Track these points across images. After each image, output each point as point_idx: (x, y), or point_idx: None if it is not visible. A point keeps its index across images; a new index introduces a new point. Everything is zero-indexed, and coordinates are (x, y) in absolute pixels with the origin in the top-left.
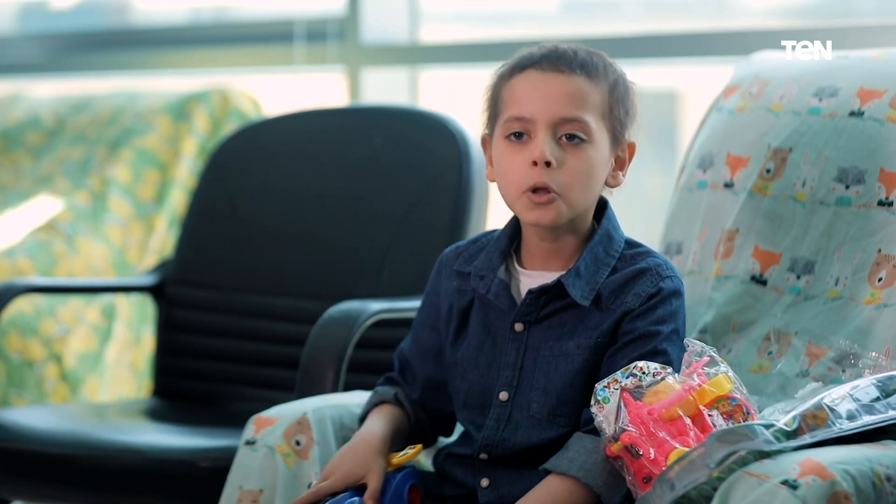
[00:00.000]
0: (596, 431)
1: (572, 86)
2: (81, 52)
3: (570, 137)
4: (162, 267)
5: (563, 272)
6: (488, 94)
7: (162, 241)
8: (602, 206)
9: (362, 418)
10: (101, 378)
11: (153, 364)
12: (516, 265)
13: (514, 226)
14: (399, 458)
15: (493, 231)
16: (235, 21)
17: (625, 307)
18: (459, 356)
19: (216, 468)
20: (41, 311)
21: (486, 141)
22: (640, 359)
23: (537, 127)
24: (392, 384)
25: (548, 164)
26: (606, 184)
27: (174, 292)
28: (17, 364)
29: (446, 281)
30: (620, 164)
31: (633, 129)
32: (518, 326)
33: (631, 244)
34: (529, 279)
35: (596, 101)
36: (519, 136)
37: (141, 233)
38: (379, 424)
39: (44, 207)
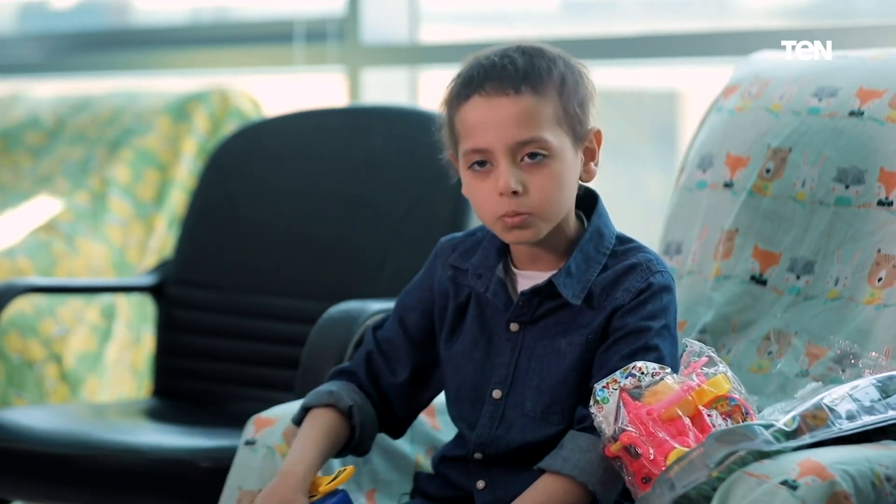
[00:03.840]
0: (590, 430)
1: (521, 107)
2: (81, 52)
3: (532, 156)
4: (162, 267)
5: (555, 272)
6: (445, 116)
7: (162, 241)
8: (593, 203)
9: (300, 417)
10: (101, 378)
11: (153, 364)
12: (511, 265)
13: None
14: (326, 485)
15: None
16: (235, 21)
17: (615, 303)
18: (455, 351)
19: (216, 468)
20: (41, 311)
21: (454, 157)
22: (631, 355)
23: (496, 155)
24: (348, 378)
25: (514, 192)
26: (581, 180)
27: (174, 292)
28: (17, 364)
29: (441, 269)
30: (591, 155)
31: (594, 115)
32: (513, 326)
33: (622, 240)
34: (524, 279)
35: (548, 113)
36: (482, 164)
37: (141, 233)
38: (306, 453)
39: (44, 207)
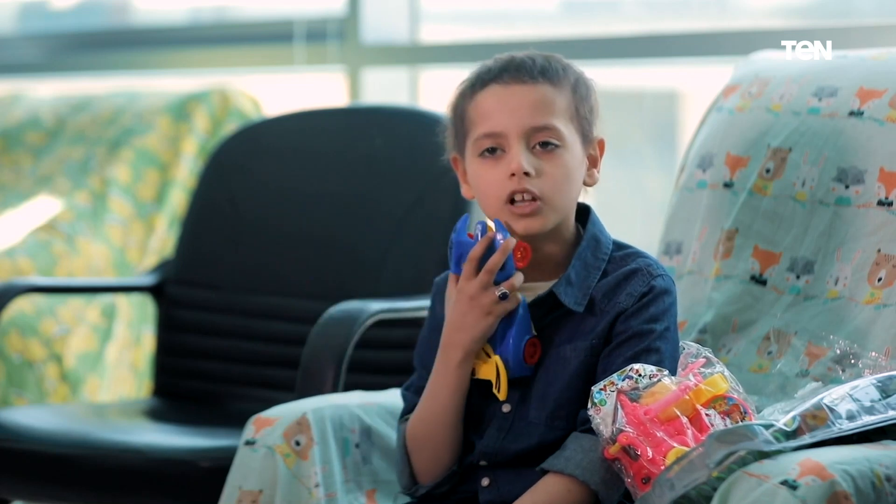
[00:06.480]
0: (593, 431)
1: (537, 94)
2: (81, 52)
3: (544, 145)
4: (162, 267)
5: (554, 281)
6: (453, 114)
7: (162, 241)
8: (585, 212)
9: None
10: (102, 378)
11: (153, 364)
12: None
13: None
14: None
15: None
16: (235, 21)
17: (618, 308)
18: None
19: (216, 468)
20: (41, 311)
21: (456, 160)
22: (634, 357)
23: (510, 140)
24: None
25: (526, 174)
26: (585, 183)
27: (174, 292)
28: (18, 364)
29: (439, 306)
30: (593, 161)
31: (599, 126)
32: None
33: (619, 246)
34: (523, 293)
35: (562, 105)
36: (492, 151)
37: (141, 233)
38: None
39: (44, 207)
